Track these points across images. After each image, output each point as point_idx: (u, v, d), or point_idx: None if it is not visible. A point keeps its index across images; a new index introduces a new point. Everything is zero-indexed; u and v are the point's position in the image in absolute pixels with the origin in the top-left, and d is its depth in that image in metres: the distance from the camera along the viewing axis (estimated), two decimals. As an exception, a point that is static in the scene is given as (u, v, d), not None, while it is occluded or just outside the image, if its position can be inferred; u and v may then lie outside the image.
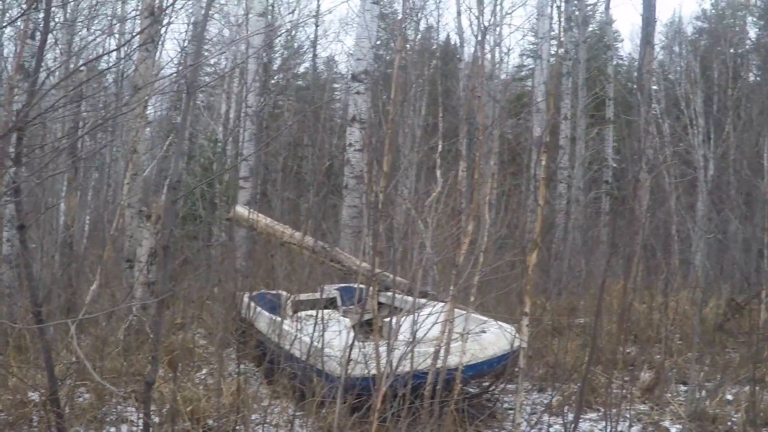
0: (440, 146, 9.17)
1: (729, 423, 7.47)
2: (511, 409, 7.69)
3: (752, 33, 27.23)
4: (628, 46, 49.40)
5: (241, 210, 11.37)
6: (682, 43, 28.72)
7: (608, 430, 6.65)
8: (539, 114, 17.52)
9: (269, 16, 22.10)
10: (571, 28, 20.16)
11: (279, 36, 26.21)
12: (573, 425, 6.40)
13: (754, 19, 27.22)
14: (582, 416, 7.31)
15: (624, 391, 8.05)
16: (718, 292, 13.17)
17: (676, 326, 10.77)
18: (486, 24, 17.97)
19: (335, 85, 30.41)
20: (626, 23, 72.74)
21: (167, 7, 12.02)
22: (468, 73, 17.62)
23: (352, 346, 5.81)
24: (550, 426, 7.21)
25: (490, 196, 8.00)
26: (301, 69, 30.27)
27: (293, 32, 27.03)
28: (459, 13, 31.38)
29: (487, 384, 7.88)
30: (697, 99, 22.11)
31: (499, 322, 7.58)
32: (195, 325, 10.16)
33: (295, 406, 6.84)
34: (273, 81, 26.23)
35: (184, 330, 9.75)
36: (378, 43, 23.34)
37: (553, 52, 21.57)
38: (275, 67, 26.82)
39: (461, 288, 6.15)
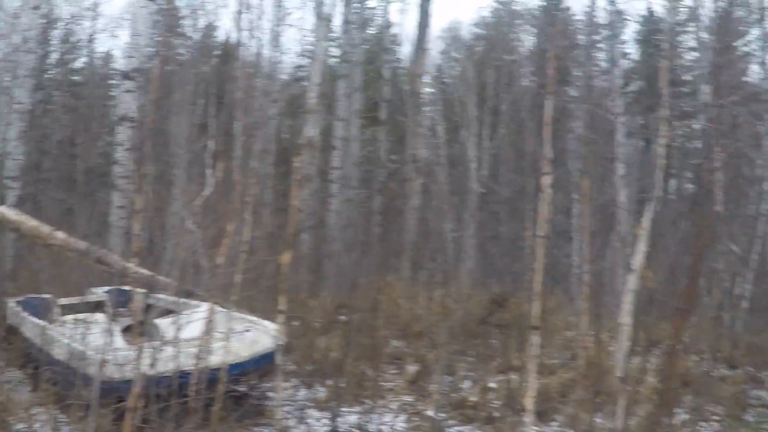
0: (211, 146, 9.20)
1: (489, 409, 7.88)
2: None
3: (527, 41, 28.41)
4: (407, 50, 50.53)
5: (6, 211, 10.89)
6: (459, 49, 29.80)
7: (371, 421, 6.90)
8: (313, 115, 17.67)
9: (45, 8, 21.18)
10: (350, 30, 20.38)
11: (54, 29, 25.26)
12: (334, 418, 6.59)
13: (530, 27, 28.43)
14: (351, 409, 7.53)
15: (390, 383, 8.37)
16: (485, 288, 13.76)
17: (441, 321, 11.21)
18: (259, 22, 18.01)
19: (112, 82, 29.43)
20: (408, 28, 74.18)
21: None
22: (242, 72, 17.60)
23: (106, 349, 5.76)
24: (317, 420, 7.38)
25: (262, 195, 8.09)
26: (78, 64, 29.17)
27: (69, 26, 26.07)
28: (240, 12, 31.12)
29: (254, 382, 7.95)
30: (471, 103, 22.96)
31: (264, 321, 7.66)
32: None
33: (60, 411, 6.69)
34: (48, 76, 25.22)
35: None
36: (159, 40, 22.81)
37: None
38: (51, 61, 25.81)
39: (220, 287, 6.21)
